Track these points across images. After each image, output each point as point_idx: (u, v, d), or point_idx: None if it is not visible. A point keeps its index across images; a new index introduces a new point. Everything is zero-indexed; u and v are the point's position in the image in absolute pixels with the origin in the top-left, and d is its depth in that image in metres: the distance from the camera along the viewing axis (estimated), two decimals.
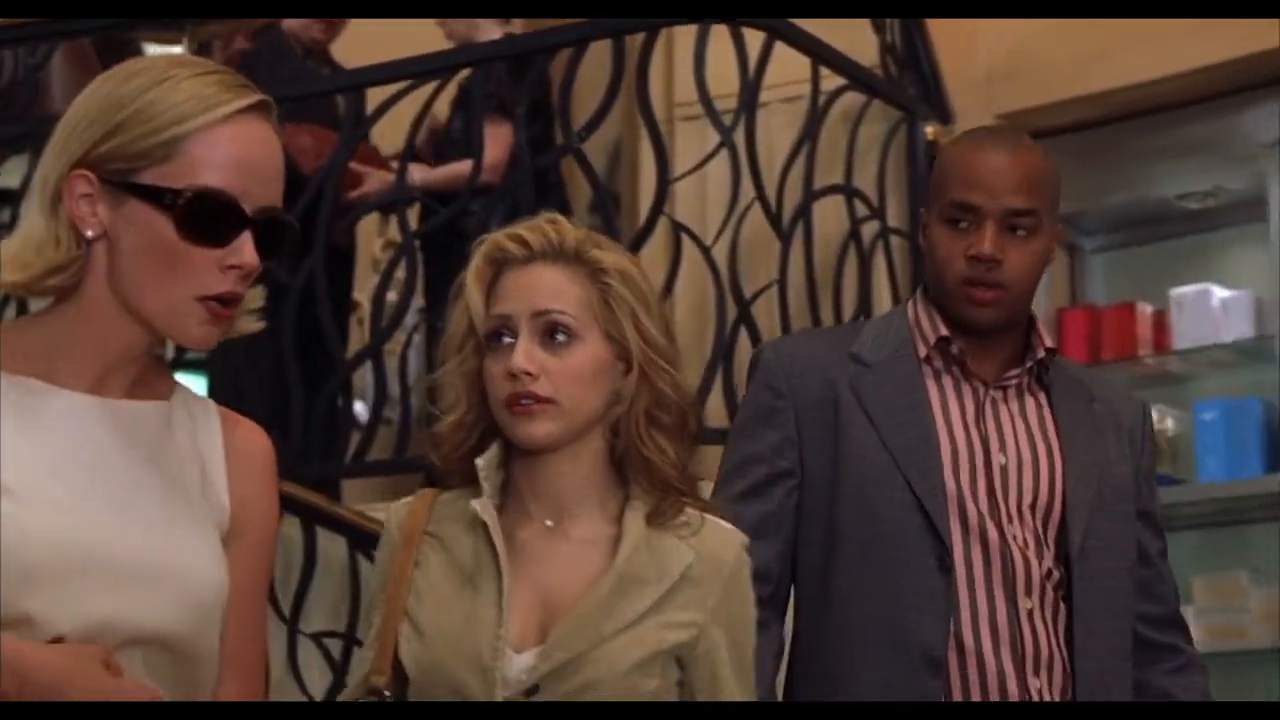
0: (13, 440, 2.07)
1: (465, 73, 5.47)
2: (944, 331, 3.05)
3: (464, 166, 5.34)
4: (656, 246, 5.02)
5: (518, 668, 2.58)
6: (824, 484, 3.04)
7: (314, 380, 4.85)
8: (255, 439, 2.33)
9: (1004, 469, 3.01)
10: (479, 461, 2.69)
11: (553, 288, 2.68)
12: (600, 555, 2.69)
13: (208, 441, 2.28)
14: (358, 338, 5.57)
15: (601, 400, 2.69)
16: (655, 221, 4.88)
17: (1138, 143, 5.58)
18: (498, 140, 5.38)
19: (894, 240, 5.44)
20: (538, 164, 5.31)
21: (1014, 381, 3.08)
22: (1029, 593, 2.95)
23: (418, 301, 5.21)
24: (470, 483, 2.71)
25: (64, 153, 2.12)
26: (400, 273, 4.93)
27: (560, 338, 2.66)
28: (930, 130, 5.54)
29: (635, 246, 4.88)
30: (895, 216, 5.48)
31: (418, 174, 5.65)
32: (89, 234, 2.11)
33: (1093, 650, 2.98)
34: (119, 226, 2.11)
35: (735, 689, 2.69)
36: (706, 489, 2.82)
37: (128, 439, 2.18)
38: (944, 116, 5.62)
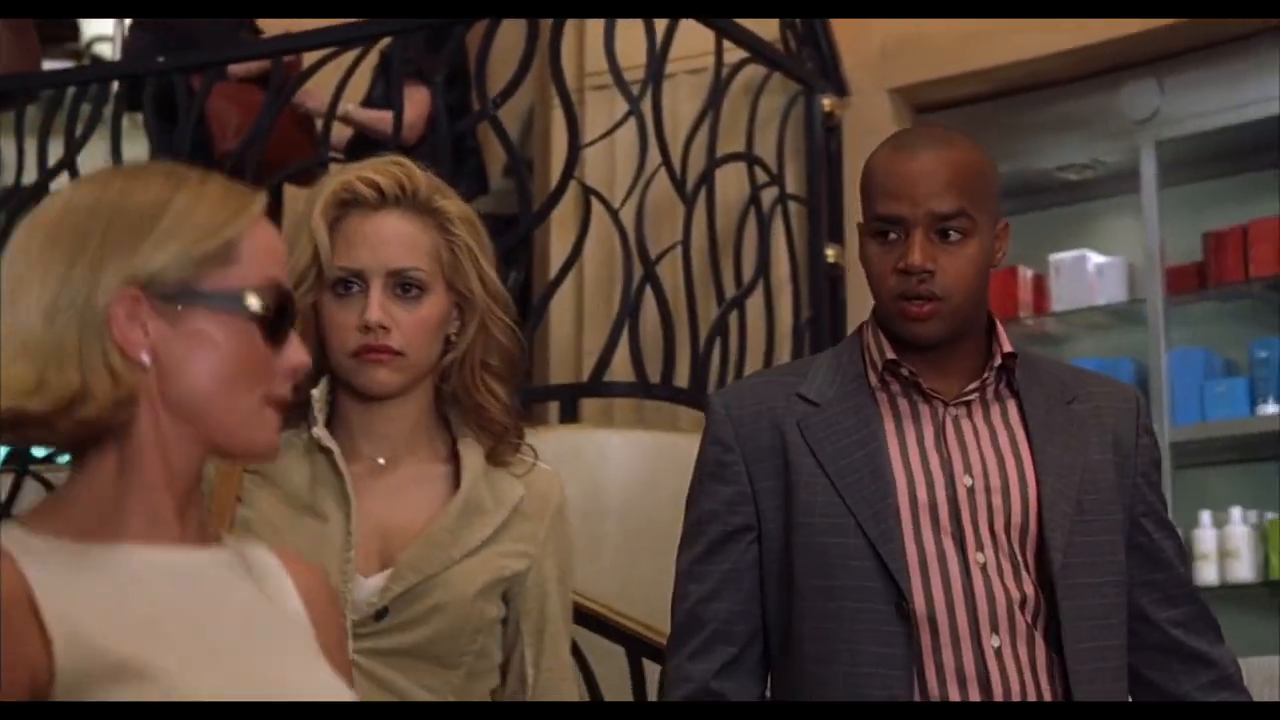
0: (121, 618, 1.72)
1: (386, 41, 5.43)
2: (890, 355, 2.71)
3: (387, 114, 5.33)
4: (567, 209, 5.02)
5: (367, 590, 2.52)
6: (779, 536, 2.72)
7: None
8: (320, 576, 2.06)
9: (970, 491, 2.65)
10: (315, 393, 2.61)
11: (405, 241, 2.59)
12: (435, 489, 2.63)
13: (280, 584, 1.97)
14: None
15: (439, 348, 2.63)
16: (566, 185, 4.87)
17: (1021, 117, 5.61)
18: (415, 102, 5.36)
19: (792, 206, 5.46)
20: (455, 129, 5.29)
21: (975, 395, 2.72)
22: (995, 629, 2.60)
23: None
24: (295, 423, 2.59)
25: (97, 268, 1.73)
26: None
27: (412, 291, 2.58)
28: (827, 102, 5.55)
29: (547, 209, 4.89)
30: (793, 183, 5.49)
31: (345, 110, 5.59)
32: (144, 359, 1.75)
33: (1086, 674, 2.62)
34: (177, 345, 1.76)
35: (560, 621, 2.68)
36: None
37: (222, 585, 1.86)
38: (840, 90, 5.63)
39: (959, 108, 5.65)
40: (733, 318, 5.14)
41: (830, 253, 5.48)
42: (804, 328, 5.37)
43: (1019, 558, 2.64)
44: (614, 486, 4.62)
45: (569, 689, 2.72)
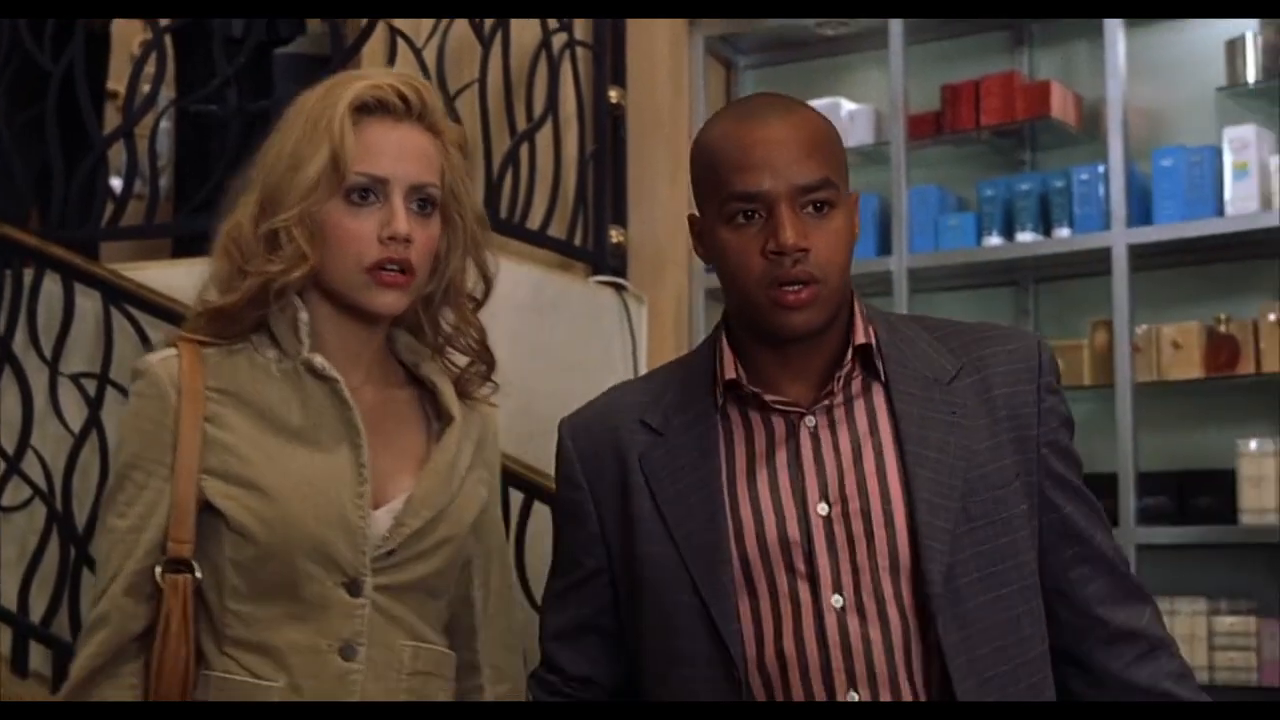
0: None
1: None
2: (730, 374, 2.20)
3: None
4: (375, 47, 4.96)
5: (380, 526, 2.25)
6: (627, 588, 2.26)
7: (74, 157, 4.73)
8: None
9: (827, 520, 2.12)
10: (303, 317, 2.27)
11: (427, 157, 2.28)
12: (410, 416, 2.36)
13: None
14: (114, 122, 5.40)
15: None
16: (374, 25, 4.82)
17: None
18: None
19: (579, 51, 5.45)
20: None
21: (832, 398, 2.19)
22: (853, 684, 2.10)
23: (168, 92, 5.09)
24: (231, 336, 2.29)
25: None
26: (150, 66, 4.79)
27: (427, 208, 2.28)
28: None
29: (356, 47, 4.83)
30: (581, 30, 5.48)
31: None
32: None
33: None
34: None
35: (503, 543, 2.50)
36: None
37: None
38: None
39: None
40: (524, 150, 5.14)
41: (613, 94, 5.49)
42: (588, 160, 5.41)
43: (886, 592, 2.12)
44: None
45: (514, 610, 2.52)
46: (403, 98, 2.27)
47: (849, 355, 2.19)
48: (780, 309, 2.12)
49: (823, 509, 2.14)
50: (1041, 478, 2.21)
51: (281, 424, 2.24)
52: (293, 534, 2.18)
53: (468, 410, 2.39)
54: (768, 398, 2.19)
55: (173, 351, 2.29)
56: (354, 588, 2.21)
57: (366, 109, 2.26)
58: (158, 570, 2.21)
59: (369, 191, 2.24)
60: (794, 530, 2.13)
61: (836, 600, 2.11)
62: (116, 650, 2.22)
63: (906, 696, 2.10)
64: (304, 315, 2.27)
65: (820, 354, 2.20)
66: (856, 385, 2.20)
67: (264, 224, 2.25)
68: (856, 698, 2.09)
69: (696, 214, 2.25)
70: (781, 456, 2.17)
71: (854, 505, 2.13)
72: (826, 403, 2.19)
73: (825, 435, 2.17)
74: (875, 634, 2.10)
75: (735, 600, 2.14)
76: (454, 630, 2.40)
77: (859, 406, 2.19)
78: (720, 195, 2.15)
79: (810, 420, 2.18)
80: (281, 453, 2.22)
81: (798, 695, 2.11)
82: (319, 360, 2.26)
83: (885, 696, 2.09)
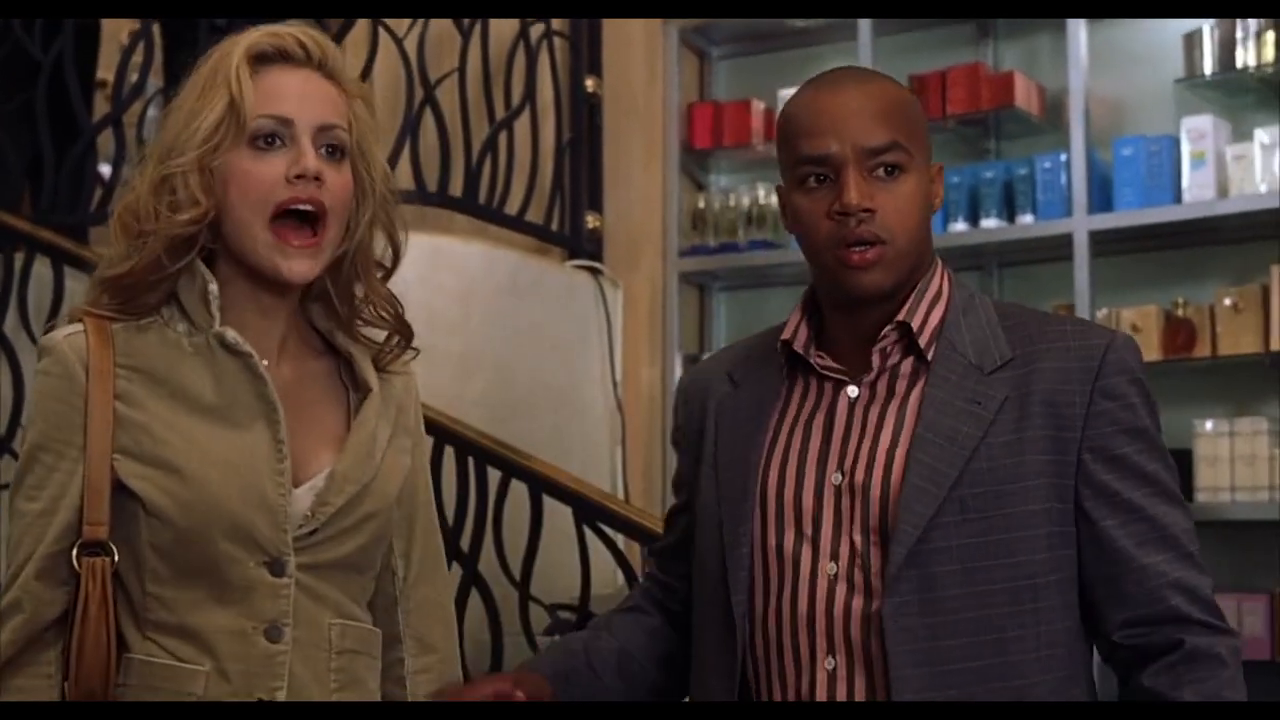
0: None
1: None
2: (787, 334, 2.21)
3: None
4: (357, 36, 4.99)
5: (302, 504, 2.13)
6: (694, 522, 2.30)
7: (64, 144, 4.76)
8: None
9: (838, 490, 2.11)
10: (213, 289, 2.14)
11: (332, 101, 2.17)
12: (327, 388, 2.25)
13: None
14: (103, 109, 5.43)
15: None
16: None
17: None
18: None
19: (556, 40, 5.49)
20: None
21: (877, 372, 2.16)
22: (831, 650, 2.08)
23: (156, 82, 5.11)
24: (139, 311, 2.15)
25: None
26: (138, 56, 4.83)
27: (337, 154, 2.15)
28: None
29: (341, 35, 4.86)
30: (558, 20, 5.52)
31: None
32: None
33: (928, 675, 2.04)
34: None
35: (429, 511, 2.36)
36: None
37: None
38: None
39: None
40: (502, 137, 5.19)
41: (589, 83, 5.54)
42: (565, 148, 5.46)
43: (874, 566, 2.08)
44: (395, 282, 4.66)
45: (441, 578, 2.40)
46: (302, 46, 2.16)
47: (886, 330, 2.16)
48: (847, 269, 2.11)
49: (836, 478, 2.12)
50: (1080, 485, 2.10)
51: (195, 401, 2.12)
52: (211, 515, 2.07)
53: (385, 380, 2.27)
54: (816, 362, 2.20)
55: (79, 327, 2.14)
56: (276, 567, 2.10)
57: (265, 58, 2.15)
58: (74, 554, 2.09)
59: (274, 136, 2.12)
60: (809, 495, 2.13)
61: (831, 567, 2.10)
62: (30, 637, 2.10)
63: (879, 669, 2.05)
64: (214, 287, 2.13)
65: (882, 324, 2.16)
66: (908, 364, 2.17)
67: (159, 175, 2.13)
68: (833, 664, 2.08)
69: (779, 188, 2.25)
70: (819, 421, 2.17)
71: (859, 478, 2.11)
72: (870, 375, 2.17)
73: (861, 407, 2.15)
74: (858, 604, 2.07)
75: (749, 552, 2.15)
76: (377, 603, 2.29)
77: (901, 384, 2.15)
78: (793, 160, 2.16)
79: (852, 390, 2.17)
80: (196, 431, 2.10)
81: (787, 655, 2.11)
82: (231, 334, 2.13)
83: (859, 667, 2.07)
